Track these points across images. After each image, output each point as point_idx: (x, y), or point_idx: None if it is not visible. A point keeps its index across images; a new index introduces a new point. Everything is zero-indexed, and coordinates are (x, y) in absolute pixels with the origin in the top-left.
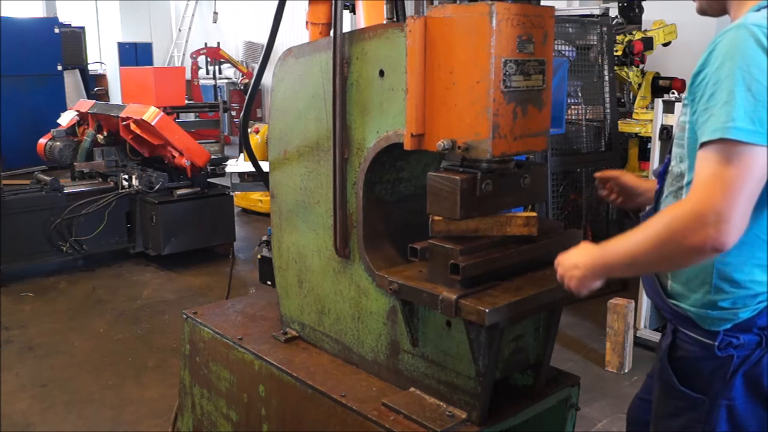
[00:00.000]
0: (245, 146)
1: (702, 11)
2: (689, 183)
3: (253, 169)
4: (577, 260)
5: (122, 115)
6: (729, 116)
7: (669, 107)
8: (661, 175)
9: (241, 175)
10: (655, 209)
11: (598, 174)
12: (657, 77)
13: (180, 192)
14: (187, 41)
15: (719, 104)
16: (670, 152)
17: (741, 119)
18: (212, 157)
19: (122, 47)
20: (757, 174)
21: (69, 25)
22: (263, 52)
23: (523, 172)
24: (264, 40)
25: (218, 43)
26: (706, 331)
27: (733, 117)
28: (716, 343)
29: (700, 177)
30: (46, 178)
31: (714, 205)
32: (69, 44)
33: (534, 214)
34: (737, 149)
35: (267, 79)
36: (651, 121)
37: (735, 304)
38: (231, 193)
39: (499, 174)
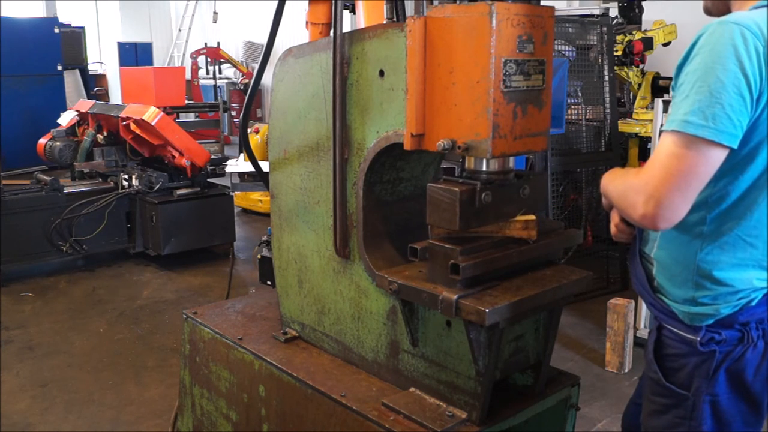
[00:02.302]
0: (245, 146)
1: (707, 11)
2: None
3: (253, 169)
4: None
5: (122, 115)
6: (685, 110)
7: (669, 107)
8: None
9: (241, 175)
10: None
11: None
12: (657, 77)
13: (180, 192)
14: (187, 41)
15: (681, 97)
16: None
17: (694, 114)
18: (212, 157)
19: (122, 47)
20: (701, 169)
21: (69, 25)
22: (263, 52)
23: (523, 183)
24: (264, 40)
25: (218, 43)
26: (688, 326)
27: (688, 111)
28: (698, 338)
29: (652, 159)
30: (46, 178)
31: (653, 191)
32: (69, 44)
33: (533, 217)
34: (687, 143)
35: (267, 79)
36: (651, 121)
37: (716, 300)
38: (231, 193)
39: (498, 185)
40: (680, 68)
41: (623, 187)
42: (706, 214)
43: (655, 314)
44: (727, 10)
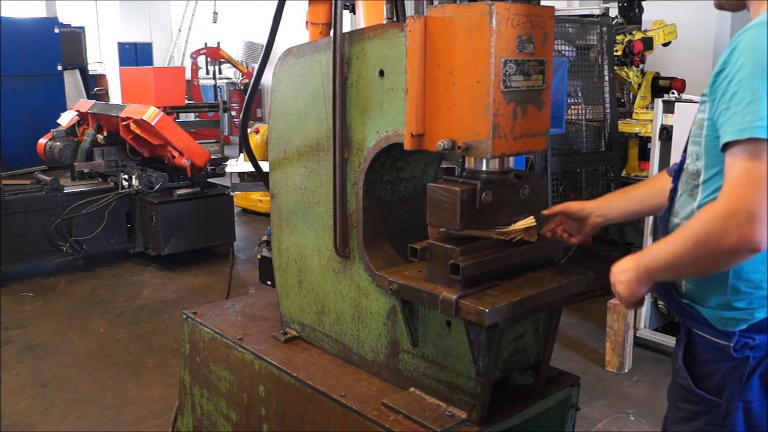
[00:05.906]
0: (245, 146)
1: (720, 6)
2: (706, 181)
3: (253, 169)
4: (624, 266)
5: (122, 115)
6: (756, 115)
7: (669, 107)
8: (677, 173)
9: (241, 175)
10: (669, 208)
11: (544, 212)
12: (657, 77)
13: (180, 192)
14: (187, 41)
15: (743, 103)
16: (685, 150)
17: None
18: (212, 157)
19: (122, 47)
20: None
21: (69, 25)
22: (263, 52)
23: (523, 183)
24: (264, 40)
25: (218, 43)
26: (721, 332)
27: (761, 116)
28: (732, 344)
29: (729, 177)
30: (46, 178)
31: (746, 205)
32: (69, 44)
33: (532, 222)
34: (765, 147)
35: (267, 79)
36: (651, 121)
37: (751, 305)
38: (231, 193)
39: (498, 185)
40: (718, 75)
41: (693, 233)
42: None
43: (683, 321)
44: (740, 6)
